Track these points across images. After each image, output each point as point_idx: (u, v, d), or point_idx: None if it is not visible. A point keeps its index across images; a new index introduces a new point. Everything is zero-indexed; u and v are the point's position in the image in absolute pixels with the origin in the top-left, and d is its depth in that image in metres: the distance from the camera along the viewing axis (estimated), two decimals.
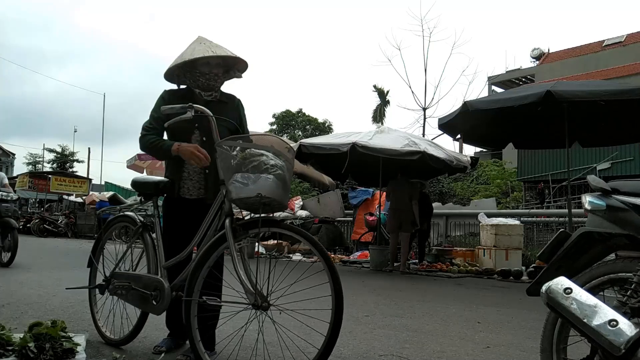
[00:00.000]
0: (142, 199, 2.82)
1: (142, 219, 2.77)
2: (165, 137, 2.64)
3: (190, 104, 2.34)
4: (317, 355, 2.09)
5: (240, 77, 2.75)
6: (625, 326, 1.35)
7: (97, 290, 2.83)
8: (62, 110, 78.38)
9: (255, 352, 2.33)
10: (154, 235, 2.69)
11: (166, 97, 2.66)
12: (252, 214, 2.28)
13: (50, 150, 42.71)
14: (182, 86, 2.73)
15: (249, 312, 2.17)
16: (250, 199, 2.12)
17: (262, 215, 2.21)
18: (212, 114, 2.37)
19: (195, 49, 2.55)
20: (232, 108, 2.72)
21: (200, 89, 2.63)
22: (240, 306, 2.20)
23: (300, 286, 2.23)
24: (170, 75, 2.68)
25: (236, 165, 2.15)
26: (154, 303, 2.43)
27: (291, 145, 8.16)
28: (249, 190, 2.10)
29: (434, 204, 13.44)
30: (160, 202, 2.81)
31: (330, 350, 2.07)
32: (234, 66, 2.70)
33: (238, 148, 2.18)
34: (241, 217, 2.31)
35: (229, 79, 2.74)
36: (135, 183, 2.78)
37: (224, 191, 2.24)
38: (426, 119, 15.39)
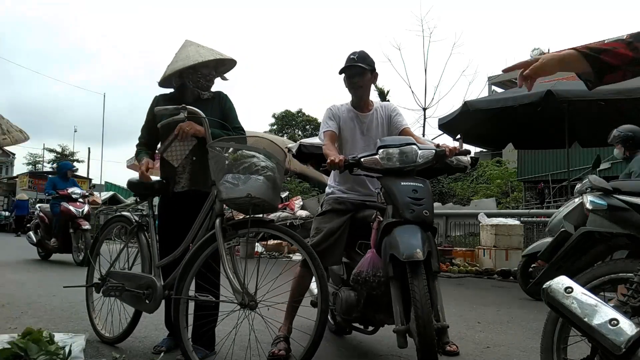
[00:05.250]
0: (138, 199, 2.87)
1: (137, 219, 2.81)
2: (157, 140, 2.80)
3: (183, 105, 2.41)
4: (308, 343, 2.13)
5: (226, 79, 2.88)
6: (626, 325, 1.34)
7: (94, 288, 2.88)
8: (63, 110, 78.44)
9: (250, 351, 2.34)
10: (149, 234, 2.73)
11: (154, 103, 2.75)
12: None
13: (50, 150, 42.75)
14: (171, 90, 2.83)
15: (241, 311, 2.19)
16: (240, 199, 2.15)
17: (252, 215, 2.24)
18: (204, 115, 2.44)
19: (201, 52, 2.65)
20: (217, 104, 2.79)
21: (200, 88, 2.71)
22: (230, 305, 2.23)
23: (288, 284, 2.32)
24: (167, 80, 2.76)
25: (228, 166, 2.18)
26: (147, 302, 2.48)
27: (284, 148, 8.20)
28: (239, 191, 2.14)
29: (434, 204, 13.42)
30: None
31: (319, 340, 2.12)
32: (220, 67, 2.81)
33: (230, 149, 2.22)
34: (232, 217, 2.36)
35: (216, 78, 2.85)
36: (131, 184, 2.82)
37: (215, 192, 2.27)
38: (426, 119, 15.39)
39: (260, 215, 2.33)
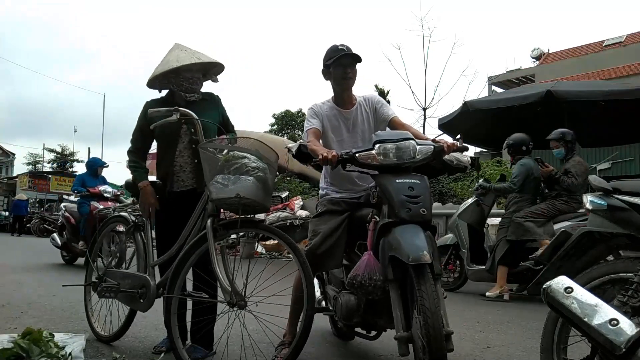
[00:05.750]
0: (135, 200, 2.93)
1: (134, 219, 2.85)
2: (154, 143, 2.85)
3: (175, 107, 2.45)
4: (295, 339, 2.18)
5: (217, 80, 2.90)
6: (626, 325, 1.34)
7: (92, 287, 2.92)
8: (63, 110, 78.45)
9: (244, 350, 2.36)
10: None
11: (146, 107, 2.76)
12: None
13: (50, 150, 42.77)
14: (164, 92, 2.85)
15: (232, 310, 2.22)
16: (230, 199, 2.18)
17: (242, 216, 2.28)
18: (197, 117, 2.48)
19: (180, 57, 2.68)
20: (213, 105, 2.84)
21: (184, 92, 2.74)
22: (220, 305, 2.28)
23: (280, 284, 2.33)
24: (152, 82, 2.79)
25: (219, 167, 2.21)
26: (141, 301, 2.52)
27: (283, 148, 8.23)
28: (229, 191, 2.17)
29: (434, 204, 13.42)
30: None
31: (306, 335, 2.16)
32: (211, 70, 2.84)
33: (224, 151, 2.25)
34: (224, 217, 2.40)
35: (206, 81, 2.88)
36: (128, 184, 2.86)
37: (208, 192, 2.30)
38: (426, 119, 15.34)
39: (252, 216, 2.38)
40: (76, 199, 7.48)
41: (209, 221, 2.29)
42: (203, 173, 2.60)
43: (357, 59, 2.58)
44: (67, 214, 7.45)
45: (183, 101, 2.69)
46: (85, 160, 36.01)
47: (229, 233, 2.33)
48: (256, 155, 2.25)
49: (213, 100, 2.86)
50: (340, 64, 2.57)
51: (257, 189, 2.19)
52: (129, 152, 2.81)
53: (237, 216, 2.30)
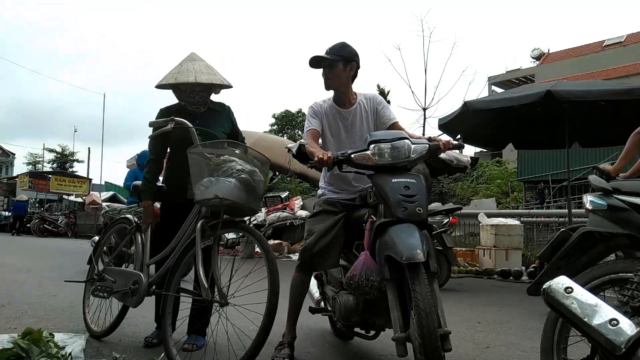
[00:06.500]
0: (140, 203, 3.01)
1: (137, 220, 2.95)
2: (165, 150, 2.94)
3: (172, 117, 2.56)
4: (253, 342, 2.17)
5: (218, 92, 2.96)
6: (626, 325, 1.35)
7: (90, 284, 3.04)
8: (63, 110, 78.44)
9: (233, 350, 2.38)
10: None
11: (159, 115, 2.86)
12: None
13: (50, 150, 42.78)
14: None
15: (217, 309, 2.28)
16: (211, 200, 2.25)
17: (224, 217, 2.37)
18: (191, 125, 2.56)
19: (172, 73, 2.80)
20: (224, 115, 2.95)
21: (186, 103, 2.85)
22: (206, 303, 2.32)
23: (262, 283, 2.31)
24: (159, 87, 2.89)
25: (209, 170, 2.28)
26: (132, 296, 2.63)
27: (277, 152, 8.22)
28: (209, 193, 2.24)
29: (434, 204, 13.43)
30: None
31: (264, 339, 2.16)
32: (217, 84, 2.87)
33: (221, 157, 2.31)
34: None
35: (213, 92, 2.93)
36: (136, 187, 2.98)
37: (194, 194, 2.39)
38: (426, 119, 15.34)
39: (246, 218, 2.48)
40: (103, 202, 7.03)
41: (199, 223, 2.39)
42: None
43: (330, 60, 2.54)
44: (110, 213, 6.54)
45: (191, 112, 2.79)
46: (85, 160, 35.87)
47: (216, 233, 2.41)
48: (243, 159, 2.32)
49: (224, 111, 2.96)
50: (321, 67, 2.59)
51: (238, 191, 2.24)
52: (150, 161, 2.90)
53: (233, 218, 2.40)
